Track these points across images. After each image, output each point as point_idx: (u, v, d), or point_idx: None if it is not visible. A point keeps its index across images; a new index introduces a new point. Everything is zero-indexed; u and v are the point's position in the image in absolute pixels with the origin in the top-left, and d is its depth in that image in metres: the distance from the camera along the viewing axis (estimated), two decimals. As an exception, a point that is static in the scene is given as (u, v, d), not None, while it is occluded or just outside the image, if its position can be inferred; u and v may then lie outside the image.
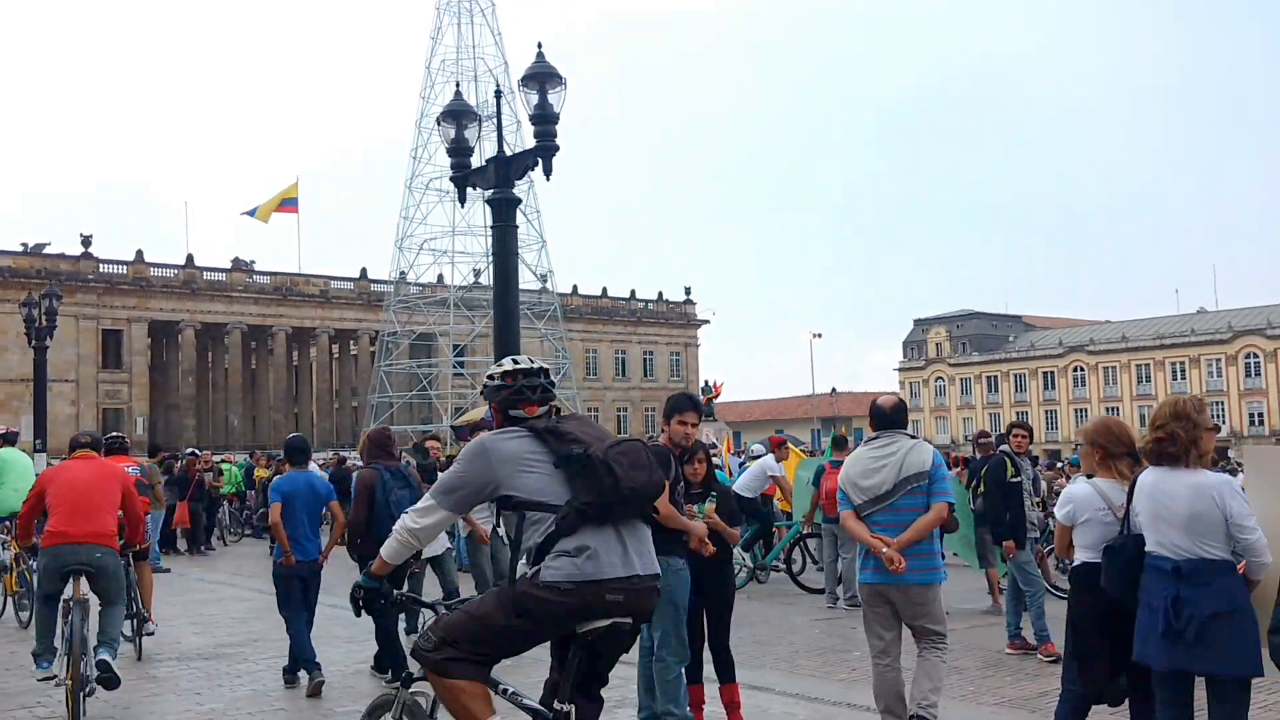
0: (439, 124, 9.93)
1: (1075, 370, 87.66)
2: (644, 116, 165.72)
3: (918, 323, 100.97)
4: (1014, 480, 9.17)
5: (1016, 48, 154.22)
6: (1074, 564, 4.93)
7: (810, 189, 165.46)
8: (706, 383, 55.27)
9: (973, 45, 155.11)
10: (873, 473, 5.69)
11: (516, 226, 9.31)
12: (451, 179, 9.79)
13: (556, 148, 8.83)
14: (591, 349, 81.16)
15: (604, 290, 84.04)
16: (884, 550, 5.44)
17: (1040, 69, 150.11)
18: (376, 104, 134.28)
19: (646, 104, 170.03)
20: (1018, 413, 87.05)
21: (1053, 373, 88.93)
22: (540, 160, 8.94)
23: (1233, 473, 12.08)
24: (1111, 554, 4.51)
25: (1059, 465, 23.54)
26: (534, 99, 8.93)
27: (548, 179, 8.75)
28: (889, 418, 5.87)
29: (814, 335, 77.16)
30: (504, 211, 9.18)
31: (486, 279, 60.23)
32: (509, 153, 9.32)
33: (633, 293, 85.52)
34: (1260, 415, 76.14)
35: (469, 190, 9.74)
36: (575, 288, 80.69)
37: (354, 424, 67.89)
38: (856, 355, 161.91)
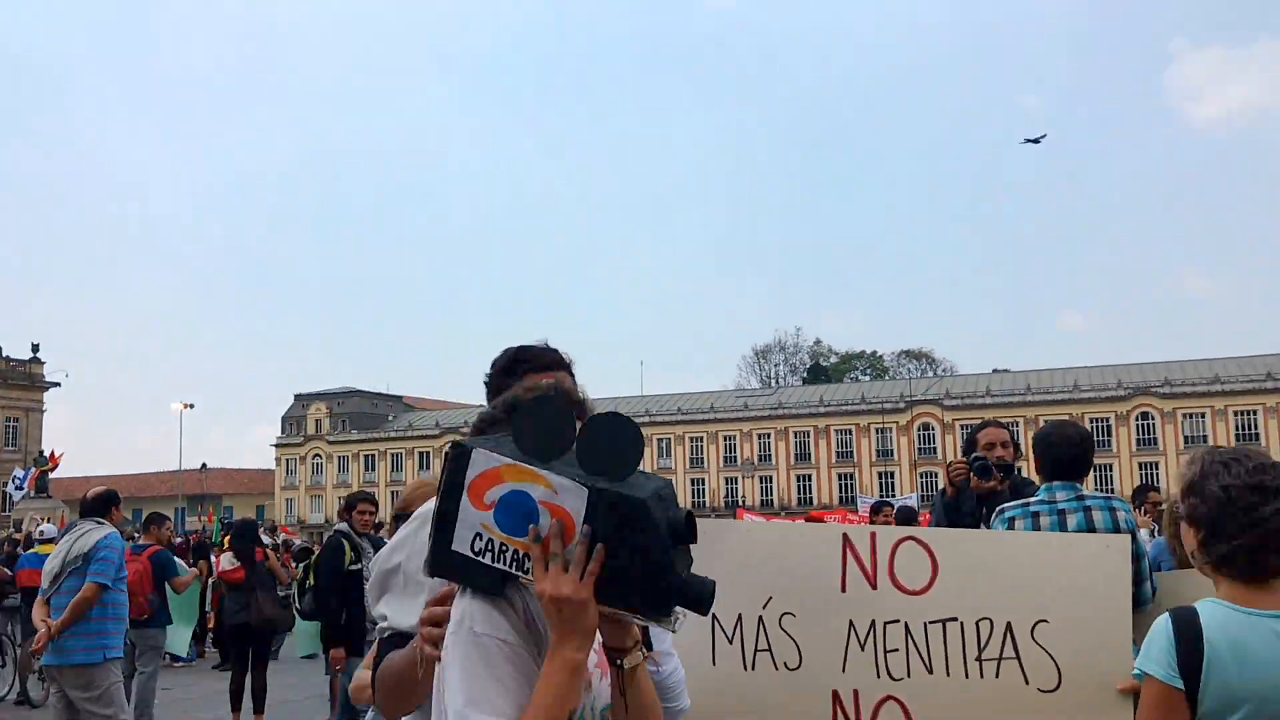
0: None
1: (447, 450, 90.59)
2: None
3: (299, 398, 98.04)
4: (354, 569, 7.38)
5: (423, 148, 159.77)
6: None
7: (172, 253, 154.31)
8: (41, 454, 48.08)
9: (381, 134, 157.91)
10: (52, 558, 6.11)
11: None
12: None
13: None
14: (-105, 409, 67.17)
15: (-81, 340, 70.30)
16: (40, 630, 5.87)
17: (442, 172, 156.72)
18: None
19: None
20: (393, 492, 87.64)
21: (429, 453, 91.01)
22: None
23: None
24: None
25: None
26: None
27: None
28: (90, 506, 6.33)
29: (185, 406, 70.87)
30: None
31: None
32: None
33: (-40, 345, 72.59)
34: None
35: None
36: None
37: None
38: (235, 430, 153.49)
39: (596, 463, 1.60)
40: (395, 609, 2.29)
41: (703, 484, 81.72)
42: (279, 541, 21.25)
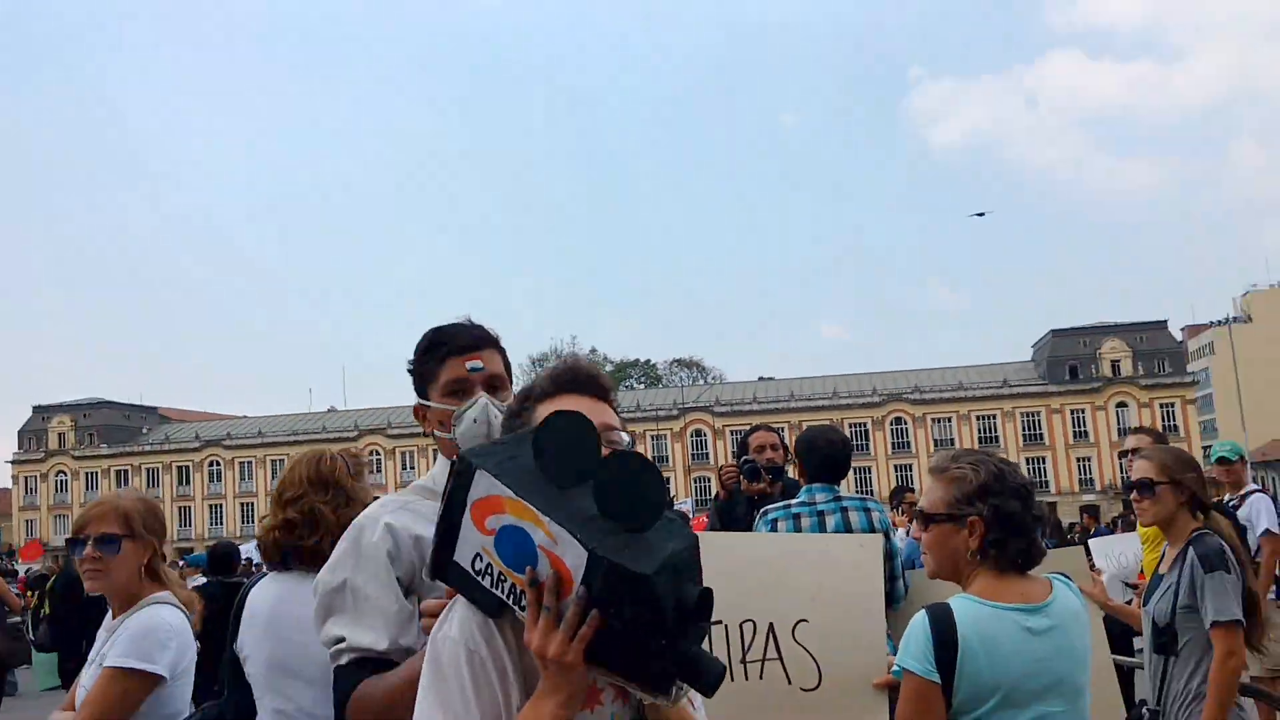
0: None
1: (211, 464, 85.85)
2: None
3: (38, 410, 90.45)
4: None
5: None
6: None
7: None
8: None
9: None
10: None
11: None
12: None
13: None
14: None
15: None
16: None
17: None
18: None
19: None
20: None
21: (188, 467, 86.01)
22: None
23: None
24: None
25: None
26: None
27: None
28: None
29: (-99, 419, 64.08)
30: None
31: None
32: None
33: None
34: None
35: None
36: None
37: None
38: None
39: (613, 506, 1.43)
40: (353, 629, 2.01)
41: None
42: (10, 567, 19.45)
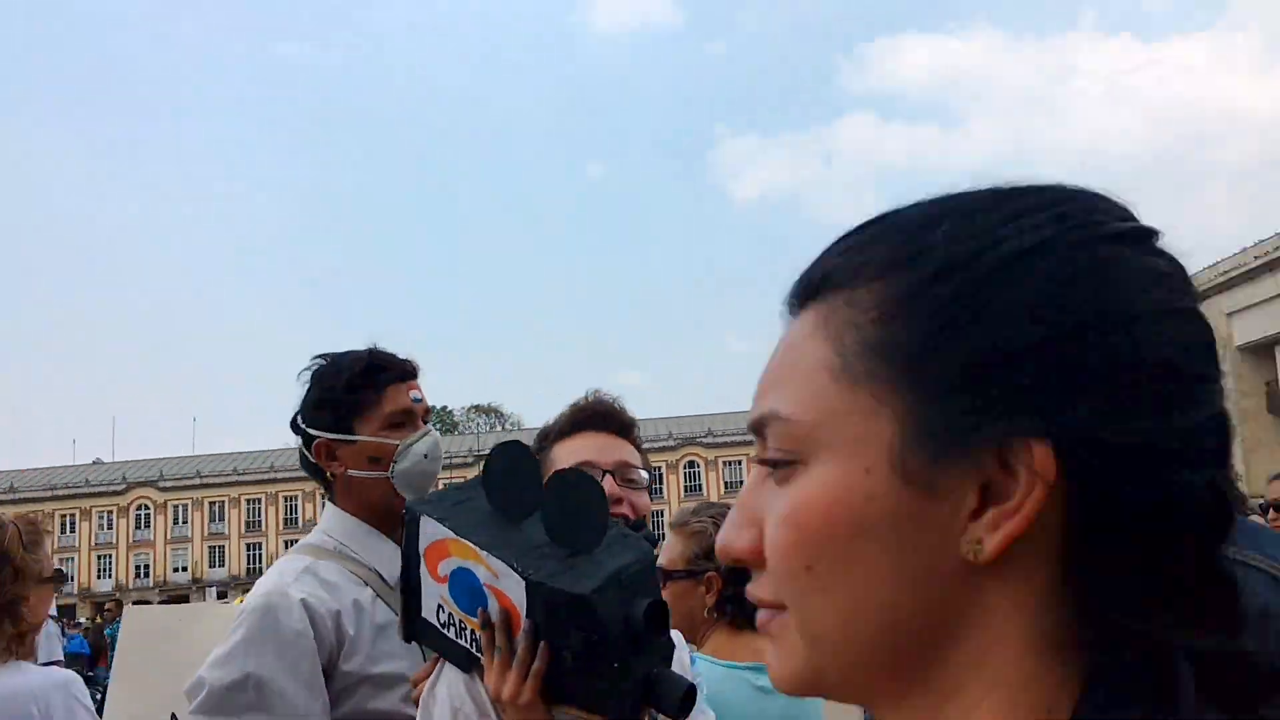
0: None
1: (-45, 524, 78.53)
2: None
3: None
4: None
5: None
6: None
7: None
8: None
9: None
10: None
11: None
12: None
13: None
14: None
15: None
16: None
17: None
18: None
19: None
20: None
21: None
22: None
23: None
24: None
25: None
26: None
27: None
28: None
29: None
30: None
31: None
32: None
33: None
34: (147, 567, 77.14)
35: None
36: None
37: None
38: None
39: (561, 530, 1.35)
40: None
41: (259, 549, 77.00)
42: None
